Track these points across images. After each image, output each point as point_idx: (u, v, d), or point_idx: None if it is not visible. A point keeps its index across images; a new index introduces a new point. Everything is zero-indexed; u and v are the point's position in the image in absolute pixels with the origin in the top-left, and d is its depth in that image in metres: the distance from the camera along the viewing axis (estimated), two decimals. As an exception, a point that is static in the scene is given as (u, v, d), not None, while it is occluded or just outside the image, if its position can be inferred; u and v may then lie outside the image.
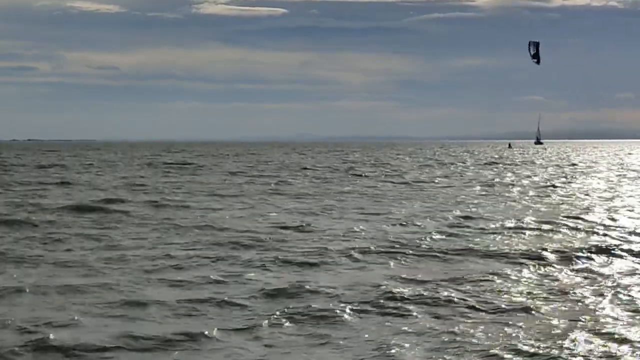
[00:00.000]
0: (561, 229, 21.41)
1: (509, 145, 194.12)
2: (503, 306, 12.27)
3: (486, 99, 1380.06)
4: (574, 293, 13.27)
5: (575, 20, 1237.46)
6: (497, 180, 46.87)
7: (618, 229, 21.62)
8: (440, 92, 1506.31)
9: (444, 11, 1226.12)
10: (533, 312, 11.93)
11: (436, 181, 45.64)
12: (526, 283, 14.16)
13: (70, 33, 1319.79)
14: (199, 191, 36.13)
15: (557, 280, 14.47)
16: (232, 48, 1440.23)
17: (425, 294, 12.98)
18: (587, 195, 34.79)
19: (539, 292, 13.38)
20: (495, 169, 64.36)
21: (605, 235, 20.15)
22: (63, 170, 59.29)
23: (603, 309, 12.22)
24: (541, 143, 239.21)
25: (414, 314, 11.82)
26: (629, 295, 13.09)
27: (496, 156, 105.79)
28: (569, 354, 9.87)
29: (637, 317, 11.65)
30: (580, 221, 23.31)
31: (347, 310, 11.87)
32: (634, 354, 9.91)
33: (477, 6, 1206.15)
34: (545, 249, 17.48)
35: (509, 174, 54.58)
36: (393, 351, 9.98)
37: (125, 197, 31.64)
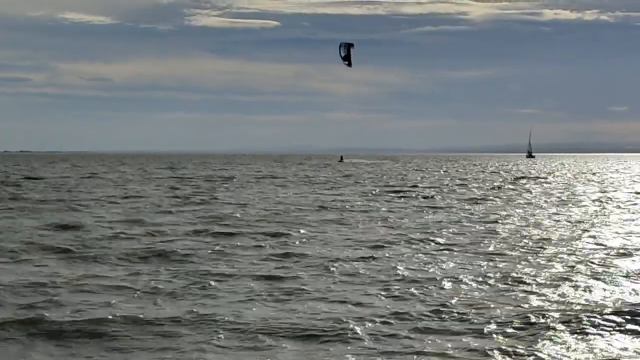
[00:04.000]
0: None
1: (341, 158, 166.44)
2: None
3: (480, 111, 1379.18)
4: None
5: (568, 34, 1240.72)
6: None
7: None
8: (433, 104, 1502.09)
9: (436, 24, 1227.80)
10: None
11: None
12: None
13: (63, 44, 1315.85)
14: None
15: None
16: (225, 59, 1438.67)
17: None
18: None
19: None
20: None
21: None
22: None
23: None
24: (533, 156, 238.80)
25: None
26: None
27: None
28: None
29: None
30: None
31: None
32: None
33: (469, 19, 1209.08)
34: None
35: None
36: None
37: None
